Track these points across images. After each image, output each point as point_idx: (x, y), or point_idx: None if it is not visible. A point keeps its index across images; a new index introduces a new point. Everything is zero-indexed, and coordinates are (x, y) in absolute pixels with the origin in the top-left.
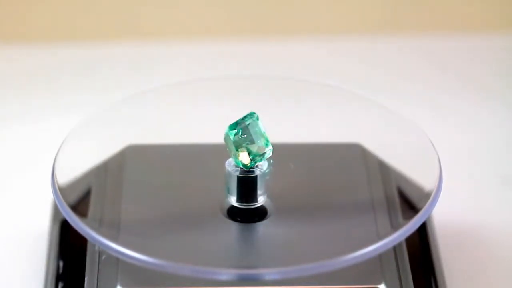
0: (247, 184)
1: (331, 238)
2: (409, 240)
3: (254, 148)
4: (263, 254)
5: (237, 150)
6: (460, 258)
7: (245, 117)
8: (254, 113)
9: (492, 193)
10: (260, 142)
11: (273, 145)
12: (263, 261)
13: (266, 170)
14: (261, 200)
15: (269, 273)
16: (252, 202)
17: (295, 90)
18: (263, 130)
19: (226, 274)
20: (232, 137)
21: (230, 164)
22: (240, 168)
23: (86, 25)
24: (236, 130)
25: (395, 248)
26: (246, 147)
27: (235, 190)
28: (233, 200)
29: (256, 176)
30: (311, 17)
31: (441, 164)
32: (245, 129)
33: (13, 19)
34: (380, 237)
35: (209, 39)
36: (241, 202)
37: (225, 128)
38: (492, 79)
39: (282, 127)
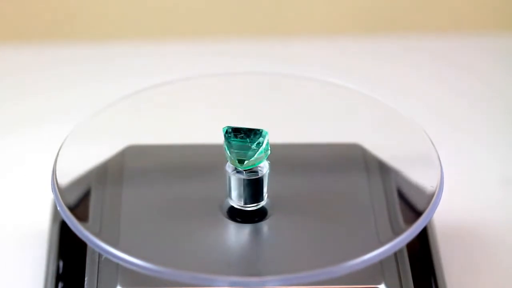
0: (247, 186)
1: (331, 241)
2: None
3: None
4: (263, 259)
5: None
6: (460, 258)
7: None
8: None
9: (492, 193)
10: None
11: (273, 145)
12: (263, 267)
13: (266, 171)
14: (261, 201)
15: (269, 281)
16: (252, 203)
17: (295, 90)
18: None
19: (226, 281)
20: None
21: (230, 166)
22: (240, 169)
23: (86, 25)
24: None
25: None
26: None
27: (235, 191)
28: (233, 201)
29: (256, 178)
30: (311, 17)
31: (442, 166)
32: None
33: (13, 19)
34: (381, 242)
35: (209, 39)
36: (241, 203)
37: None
38: (493, 78)
39: (282, 126)
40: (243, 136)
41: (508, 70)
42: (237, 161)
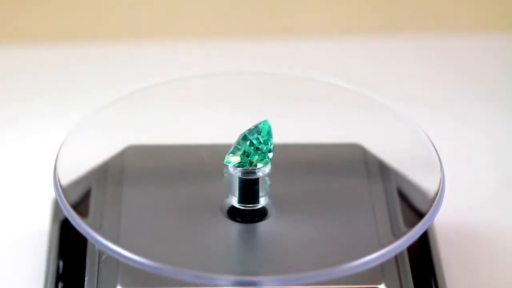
0: (248, 185)
1: (331, 242)
2: None
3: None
4: (263, 259)
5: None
6: (460, 258)
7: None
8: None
9: (492, 193)
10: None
11: (273, 145)
12: (263, 267)
13: (267, 171)
14: (261, 201)
15: (269, 281)
16: (253, 203)
17: (295, 90)
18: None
19: (226, 281)
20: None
21: (232, 167)
22: (241, 169)
23: (86, 25)
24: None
25: None
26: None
27: (236, 191)
28: (233, 201)
29: (257, 178)
30: (311, 17)
31: (443, 167)
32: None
33: (13, 19)
34: (382, 245)
35: (209, 39)
36: (242, 203)
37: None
38: (492, 79)
39: (282, 127)
40: (260, 134)
41: (508, 70)
42: (267, 156)
